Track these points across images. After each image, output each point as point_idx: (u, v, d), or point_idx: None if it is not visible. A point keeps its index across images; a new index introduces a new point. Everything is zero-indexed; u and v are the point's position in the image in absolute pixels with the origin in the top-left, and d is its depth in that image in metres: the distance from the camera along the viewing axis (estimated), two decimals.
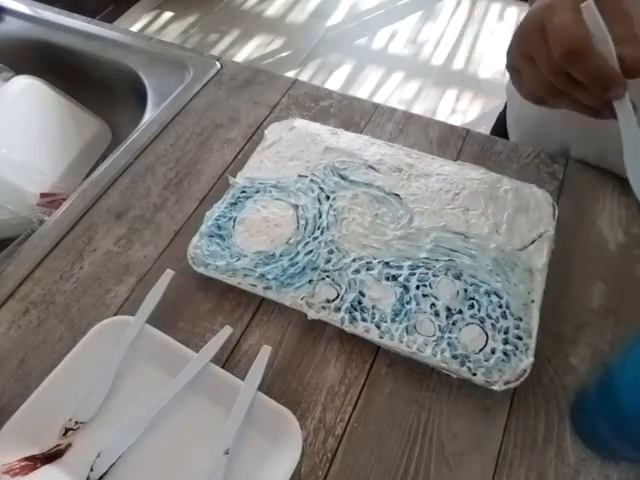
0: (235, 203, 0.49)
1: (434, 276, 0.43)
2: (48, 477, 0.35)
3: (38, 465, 0.36)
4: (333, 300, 0.42)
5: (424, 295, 0.42)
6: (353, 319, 0.41)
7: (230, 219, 0.47)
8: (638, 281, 0.46)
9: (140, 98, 0.64)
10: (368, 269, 0.43)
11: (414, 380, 0.41)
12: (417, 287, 0.42)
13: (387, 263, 0.44)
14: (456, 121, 1.73)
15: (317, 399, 0.40)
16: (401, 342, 0.40)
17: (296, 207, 0.48)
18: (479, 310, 0.41)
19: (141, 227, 0.51)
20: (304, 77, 1.92)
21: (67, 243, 0.49)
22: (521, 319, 0.40)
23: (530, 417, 0.39)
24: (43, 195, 0.59)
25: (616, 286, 0.45)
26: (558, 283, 0.44)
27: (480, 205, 0.47)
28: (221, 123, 0.60)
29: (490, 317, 0.40)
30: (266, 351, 0.40)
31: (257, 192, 0.49)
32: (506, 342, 0.39)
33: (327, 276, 0.43)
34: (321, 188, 0.49)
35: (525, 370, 0.38)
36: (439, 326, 0.40)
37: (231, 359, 0.42)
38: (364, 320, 0.41)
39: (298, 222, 0.47)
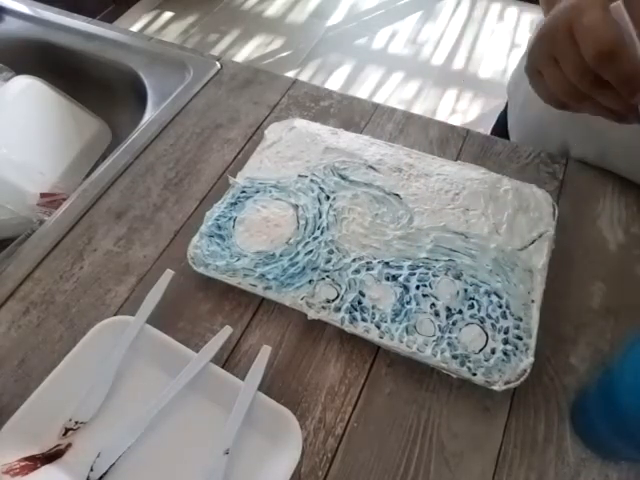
0: (235, 203, 0.49)
1: (434, 276, 0.43)
2: (48, 477, 0.35)
3: (38, 465, 0.36)
4: (333, 300, 0.42)
5: (424, 295, 0.42)
6: (353, 319, 0.41)
7: (230, 219, 0.47)
8: (638, 281, 0.46)
9: (140, 98, 0.64)
10: (368, 269, 0.43)
11: (414, 380, 0.41)
12: (417, 287, 0.42)
13: (387, 263, 0.44)
14: (456, 121, 1.73)
15: (317, 399, 0.40)
16: (401, 342, 0.40)
17: (296, 207, 0.48)
18: (479, 310, 0.41)
19: (141, 227, 0.51)
20: (304, 77, 1.92)
21: (67, 243, 0.49)
22: (521, 319, 0.40)
23: (530, 417, 0.39)
24: (43, 195, 0.59)
25: (616, 286, 0.45)
26: (558, 283, 0.44)
27: (480, 205, 0.47)
28: (221, 123, 0.60)
29: (490, 317, 0.40)
30: (266, 351, 0.40)
31: (257, 192, 0.49)
32: (506, 342, 0.39)
33: (327, 276, 0.43)
34: (321, 188, 0.49)
35: (525, 370, 0.38)
36: (439, 326, 0.40)
37: (231, 359, 0.42)
38: (364, 320, 0.41)
39: (298, 222, 0.47)
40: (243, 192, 0.49)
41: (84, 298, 0.45)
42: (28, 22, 0.72)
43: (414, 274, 0.43)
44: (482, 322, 0.40)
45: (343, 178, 0.50)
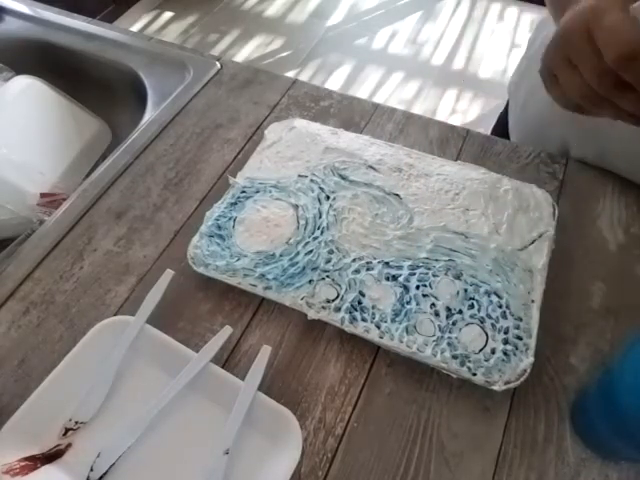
0: (235, 203, 0.49)
1: (434, 276, 0.43)
2: (48, 477, 0.35)
3: (38, 465, 0.36)
4: (333, 300, 0.42)
5: (424, 295, 0.42)
6: (353, 319, 0.41)
7: (230, 219, 0.47)
8: (638, 281, 0.46)
9: (140, 98, 0.64)
10: (368, 269, 0.43)
11: (414, 380, 0.41)
12: (417, 287, 0.42)
13: (387, 263, 0.44)
14: (456, 121, 1.73)
15: (317, 399, 0.40)
16: (401, 342, 0.40)
17: (296, 207, 0.48)
18: (479, 310, 0.41)
19: (141, 227, 0.51)
20: (304, 77, 1.92)
21: (67, 243, 0.49)
22: (521, 319, 0.40)
23: (530, 417, 0.39)
24: (43, 195, 0.59)
25: (616, 286, 0.45)
26: (558, 283, 0.44)
27: (480, 205, 0.47)
28: (221, 123, 0.60)
29: (490, 317, 0.40)
30: (266, 351, 0.40)
31: (257, 192, 0.49)
32: (506, 342, 0.39)
33: (327, 276, 0.43)
34: (321, 188, 0.49)
35: (525, 370, 0.38)
36: (439, 326, 0.40)
37: (231, 359, 0.42)
38: (364, 320, 0.41)
39: (298, 222, 0.47)
40: (243, 192, 0.49)
41: (84, 298, 0.45)
42: (28, 22, 0.72)
43: (414, 274, 0.43)
44: (482, 322, 0.40)
45: (343, 178, 0.50)
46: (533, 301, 0.41)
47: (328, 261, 0.44)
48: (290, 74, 1.63)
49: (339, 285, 0.43)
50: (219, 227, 0.47)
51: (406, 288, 0.42)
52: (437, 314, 0.41)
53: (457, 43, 2.07)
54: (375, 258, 0.44)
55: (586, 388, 0.38)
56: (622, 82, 0.30)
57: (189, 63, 0.65)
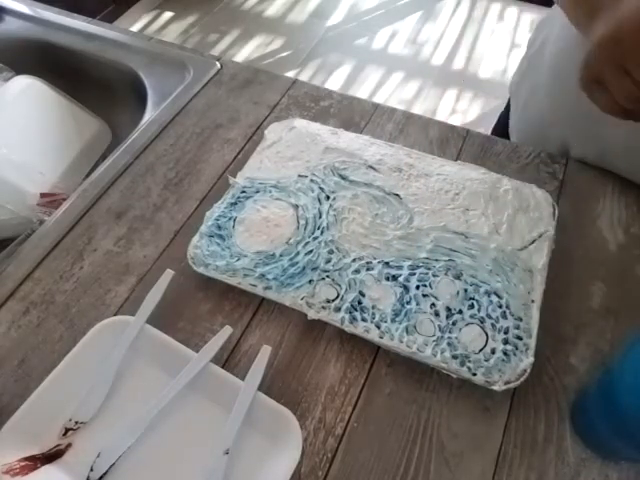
0: (235, 203, 0.49)
1: (434, 276, 0.43)
2: (48, 477, 0.35)
3: (38, 465, 0.36)
4: (333, 300, 0.42)
5: (424, 295, 0.42)
6: (353, 319, 0.41)
7: (230, 219, 0.47)
8: (638, 281, 0.46)
9: (140, 98, 0.64)
10: (368, 269, 0.43)
11: (414, 380, 0.41)
12: (417, 287, 0.42)
13: (387, 263, 0.44)
14: (456, 121, 1.73)
15: (317, 399, 0.40)
16: (401, 342, 0.40)
17: (296, 207, 0.48)
18: (479, 310, 0.41)
19: (141, 227, 0.51)
20: (304, 77, 1.92)
21: (67, 243, 0.49)
22: (521, 319, 0.40)
23: (530, 417, 0.39)
24: (43, 195, 0.59)
25: (616, 286, 0.45)
26: (558, 283, 0.44)
27: (480, 205, 0.47)
28: (221, 123, 0.60)
29: (490, 317, 0.40)
30: (266, 351, 0.40)
31: (257, 192, 0.49)
32: (506, 342, 0.39)
33: (327, 276, 0.43)
34: (321, 188, 0.49)
35: (525, 370, 0.38)
36: (439, 326, 0.40)
37: (231, 359, 0.42)
38: (364, 320, 0.41)
39: (298, 222, 0.47)
40: (243, 192, 0.49)
41: (84, 298, 0.45)
42: (28, 22, 0.72)
43: (414, 274, 0.43)
44: (482, 322, 0.40)
45: (343, 178, 0.50)
46: (533, 301, 0.41)
47: (328, 261, 0.44)
48: (290, 74, 1.63)
49: (339, 285, 0.43)
50: (219, 227, 0.47)
51: (406, 288, 0.42)
52: (437, 314, 0.41)
53: (457, 43, 2.07)
54: (375, 258, 0.44)
55: (586, 388, 0.38)
56: None
57: (189, 63, 0.65)
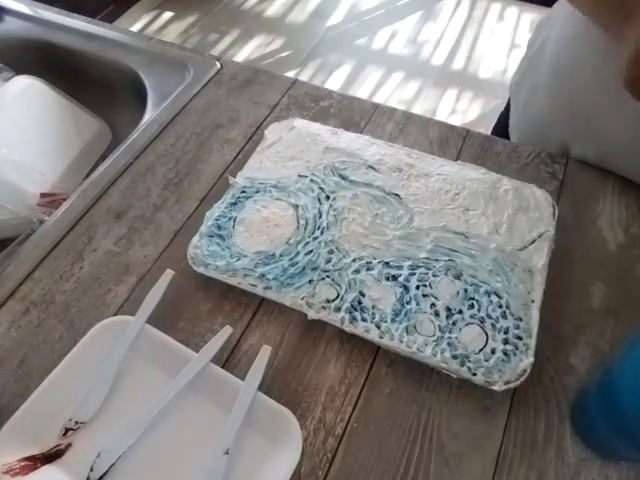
0: (235, 203, 0.49)
1: (434, 276, 0.43)
2: (48, 477, 0.35)
3: (38, 465, 0.36)
4: (333, 300, 0.42)
5: (424, 295, 0.42)
6: (353, 319, 0.41)
7: (230, 219, 0.47)
8: (638, 281, 0.46)
9: (140, 98, 0.64)
10: (368, 269, 0.43)
11: (414, 380, 0.41)
12: (417, 287, 0.42)
13: (387, 263, 0.44)
14: (456, 121, 1.73)
15: (317, 399, 0.40)
16: (401, 342, 0.40)
17: (296, 207, 0.48)
18: (479, 310, 0.41)
19: (141, 227, 0.51)
20: (304, 77, 1.92)
21: (67, 243, 0.49)
22: (521, 319, 0.40)
23: (530, 417, 0.39)
24: (43, 195, 0.59)
25: (616, 286, 0.45)
26: (558, 283, 0.44)
27: (480, 205, 0.47)
28: (221, 123, 0.60)
29: (490, 317, 0.40)
30: (266, 351, 0.40)
31: (257, 192, 0.49)
32: (506, 342, 0.39)
33: (327, 276, 0.43)
34: (321, 188, 0.49)
35: (525, 370, 0.38)
36: (439, 326, 0.40)
37: (231, 359, 0.42)
38: (364, 320, 0.41)
39: (298, 222, 0.47)
40: (243, 192, 0.49)
41: (84, 298, 0.45)
42: (28, 22, 0.72)
43: (414, 274, 0.43)
44: (482, 322, 0.40)
45: (343, 178, 0.50)
46: (533, 301, 0.41)
47: (328, 261, 0.44)
48: (290, 74, 1.63)
49: (339, 285, 0.43)
50: (219, 227, 0.47)
51: (406, 288, 0.42)
52: (437, 314, 0.41)
53: (457, 43, 2.07)
54: (375, 258, 0.44)
55: (586, 388, 0.38)
56: None
57: (189, 63, 0.65)
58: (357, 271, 0.43)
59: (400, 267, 0.43)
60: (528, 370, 0.38)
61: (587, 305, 0.44)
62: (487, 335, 0.40)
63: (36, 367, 0.41)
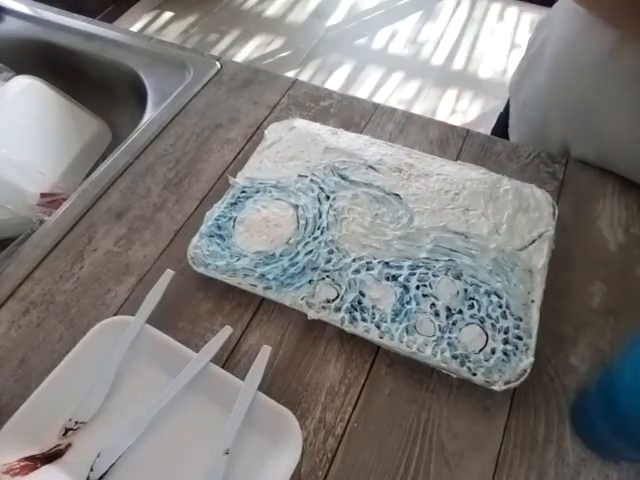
0: (235, 203, 0.49)
1: (434, 276, 0.43)
2: (48, 477, 0.35)
3: (38, 465, 0.36)
4: (333, 300, 0.42)
5: (424, 295, 0.42)
6: (353, 319, 0.41)
7: (230, 219, 0.47)
8: (638, 281, 0.46)
9: (140, 98, 0.64)
10: (368, 269, 0.43)
11: (414, 380, 0.41)
12: (417, 287, 0.42)
13: (387, 263, 0.44)
14: (456, 121, 1.73)
15: (317, 399, 0.40)
16: (401, 342, 0.40)
17: (296, 207, 0.48)
18: (479, 310, 0.41)
19: (141, 227, 0.51)
20: (304, 77, 1.92)
21: (67, 243, 0.49)
22: (521, 319, 0.40)
23: (530, 417, 0.39)
24: (43, 195, 0.59)
25: (616, 286, 0.45)
26: (558, 283, 0.44)
27: (480, 205, 0.47)
28: (221, 123, 0.60)
29: (490, 317, 0.40)
30: (266, 351, 0.40)
31: (257, 192, 0.49)
32: (506, 342, 0.39)
33: (327, 276, 0.43)
34: (321, 188, 0.49)
35: (525, 370, 0.38)
36: (439, 326, 0.40)
37: (231, 359, 0.42)
38: (364, 320, 0.41)
39: (298, 222, 0.47)
40: (243, 192, 0.49)
41: (84, 298, 0.45)
42: (28, 22, 0.72)
43: (414, 274, 0.43)
44: (482, 322, 0.40)
45: (343, 178, 0.50)
46: (533, 301, 0.41)
47: (328, 261, 0.44)
48: (290, 74, 1.63)
49: (339, 285, 0.43)
50: (219, 227, 0.47)
51: (406, 288, 0.42)
52: (437, 314, 0.41)
53: (457, 43, 2.07)
54: (375, 258, 0.44)
55: (586, 388, 0.38)
56: None
57: (189, 63, 0.65)
58: (357, 271, 0.43)
59: (400, 267, 0.43)
60: (528, 370, 0.38)
61: (587, 305, 0.44)
62: (487, 335, 0.40)
63: (36, 367, 0.41)
